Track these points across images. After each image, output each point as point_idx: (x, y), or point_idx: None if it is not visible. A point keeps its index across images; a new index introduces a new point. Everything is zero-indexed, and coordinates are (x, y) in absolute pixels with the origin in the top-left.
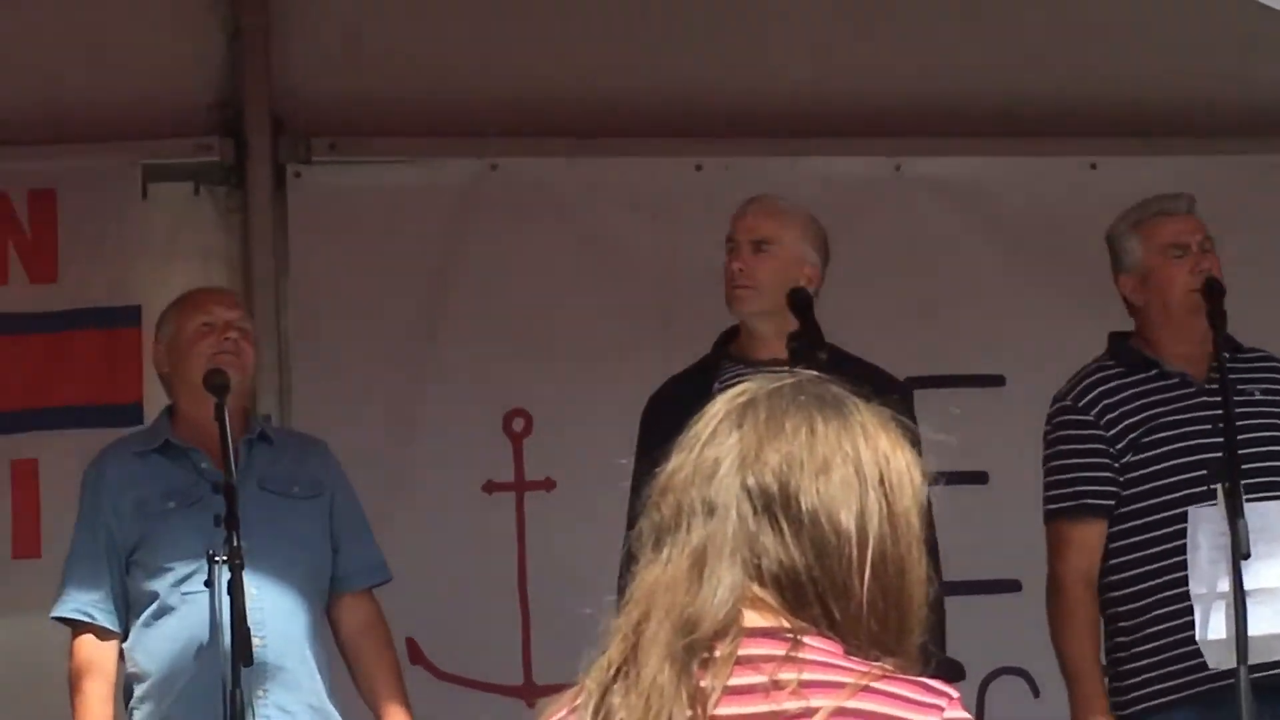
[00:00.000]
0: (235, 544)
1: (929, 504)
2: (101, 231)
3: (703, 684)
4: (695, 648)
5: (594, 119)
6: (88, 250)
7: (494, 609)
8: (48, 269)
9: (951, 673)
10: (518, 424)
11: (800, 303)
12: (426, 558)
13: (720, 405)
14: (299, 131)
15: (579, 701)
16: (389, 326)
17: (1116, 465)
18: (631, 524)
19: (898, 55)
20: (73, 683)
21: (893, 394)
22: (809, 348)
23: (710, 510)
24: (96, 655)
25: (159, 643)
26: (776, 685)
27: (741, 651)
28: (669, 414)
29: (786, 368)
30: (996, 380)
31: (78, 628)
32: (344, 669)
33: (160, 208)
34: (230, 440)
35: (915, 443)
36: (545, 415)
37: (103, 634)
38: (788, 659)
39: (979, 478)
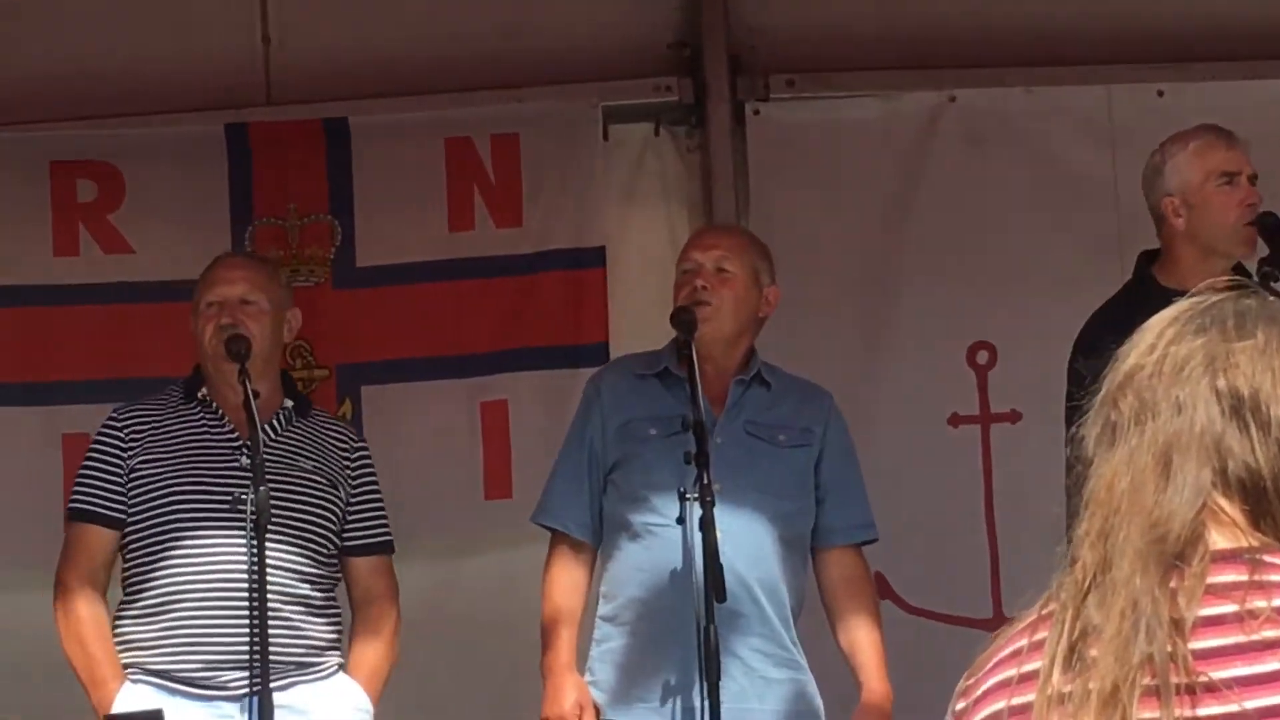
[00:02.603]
0: (705, 482)
1: None
2: (564, 174)
3: (1175, 616)
4: (1166, 551)
5: (1052, 47)
6: (551, 193)
7: (961, 542)
8: (513, 213)
9: None
10: (982, 356)
11: (1271, 227)
12: (893, 491)
13: (1181, 309)
14: (757, 69)
15: (1047, 610)
16: (850, 261)
17: None
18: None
19: None
20: (546, 608)
21: None
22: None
23: (1177, 408)
24: (571, 569)
25: (627, 569)
26: (1251, 615)
27: (1209, 579)
28: (1107, 341)
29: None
30: None
31: (555, 537)
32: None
33: (621, 149)
34: (698, 377)
35: None
36: (1009, 347)
37: (578, 547)
38: (1254, 585)
39: None
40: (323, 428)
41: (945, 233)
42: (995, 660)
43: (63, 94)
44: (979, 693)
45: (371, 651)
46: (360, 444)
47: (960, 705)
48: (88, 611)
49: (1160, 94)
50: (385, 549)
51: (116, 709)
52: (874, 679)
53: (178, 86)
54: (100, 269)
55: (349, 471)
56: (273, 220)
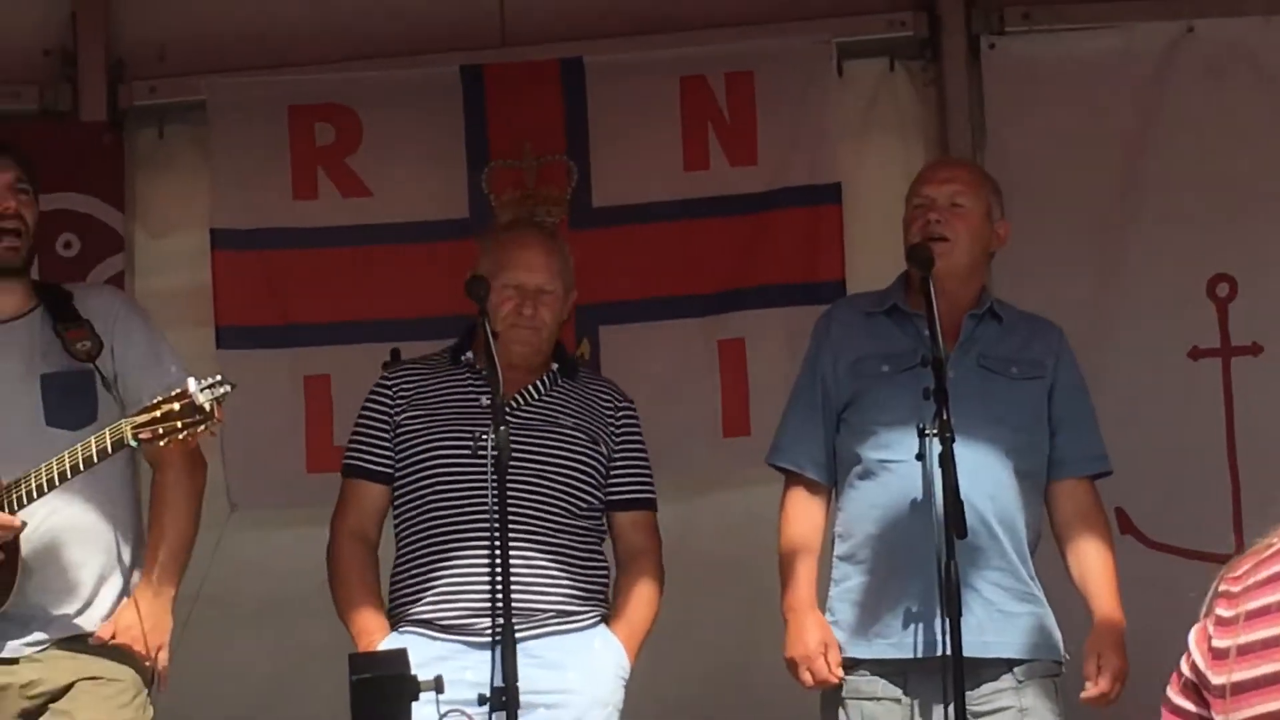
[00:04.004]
0: (945, 418)
1: None
2: (798, 111)
3: None
4: None
5: None
6: (786, 130)
7: (1203, 477)
8: (748, 151)
9: None
10: (1222, 289)
11: None
12: (1133, 425)
13: None
14: (992, 2)
15: None
16: (1087, 194)
17: None
18: None
19: None
20: (784, 547)
21: None
22: None
23: None
24: (808, 508)
25: (863, 507)
26: None
27: None
28: None
29: None
30: None
31: (790, 477)
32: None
33: (856, 85)
34: (937, 314)
35: None
36: (1250, 279)
37: (812, 487)
38: None
39: None
40: (590, 388)
41: (1184, 164)
42: (1272, 571)
43: (300, 39)
44: (1253, 606)
45: (631, 609)
46: (626, 403)
47: (1226, 612)
48: (355, 564)
49: None
50: (647, 505)
51: None
52: (1106, 606)
53: (413, 30)
54: (339, 212)
55: (612, 428)
56: (509, 161)
